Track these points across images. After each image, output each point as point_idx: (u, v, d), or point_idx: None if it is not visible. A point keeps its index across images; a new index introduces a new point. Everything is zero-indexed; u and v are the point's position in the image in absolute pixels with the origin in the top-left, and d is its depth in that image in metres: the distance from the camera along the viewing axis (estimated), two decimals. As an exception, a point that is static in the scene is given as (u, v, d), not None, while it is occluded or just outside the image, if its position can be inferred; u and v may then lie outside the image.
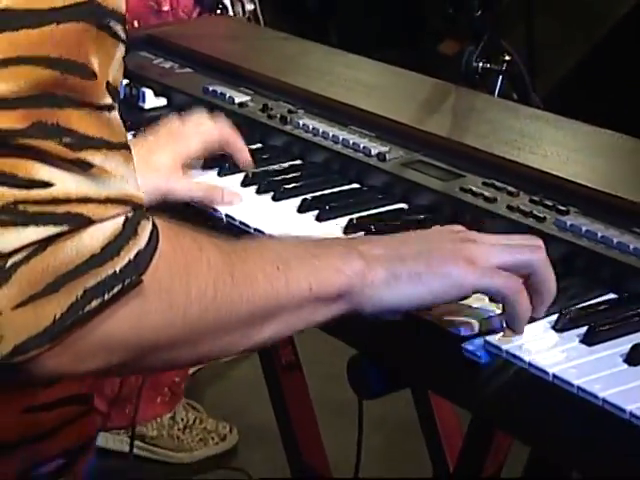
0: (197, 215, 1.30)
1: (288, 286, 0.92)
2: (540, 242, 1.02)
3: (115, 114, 0.82)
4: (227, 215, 1.29)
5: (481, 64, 1.59)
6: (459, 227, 1.05)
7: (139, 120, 1.52)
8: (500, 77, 1.59)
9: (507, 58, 1.59)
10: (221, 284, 0.87)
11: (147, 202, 1.22)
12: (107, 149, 0.80)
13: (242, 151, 1.37)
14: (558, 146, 1.31)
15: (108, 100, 0.81)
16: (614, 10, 3.23)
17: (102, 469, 1.23)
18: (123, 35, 0.82)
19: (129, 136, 1.41)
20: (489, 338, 0.99)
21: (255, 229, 1.24)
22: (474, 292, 0.99)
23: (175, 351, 0.87)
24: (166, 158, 1.30)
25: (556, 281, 1.00)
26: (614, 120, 1.36)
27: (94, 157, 0.79)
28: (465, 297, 1.00)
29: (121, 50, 0.82)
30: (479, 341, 0.99)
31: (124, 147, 0.82)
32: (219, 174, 1.38)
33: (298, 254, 0.95)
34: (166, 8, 2.21)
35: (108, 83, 0.81)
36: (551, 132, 1.37)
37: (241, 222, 1.27)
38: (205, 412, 2.50)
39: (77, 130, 0.78)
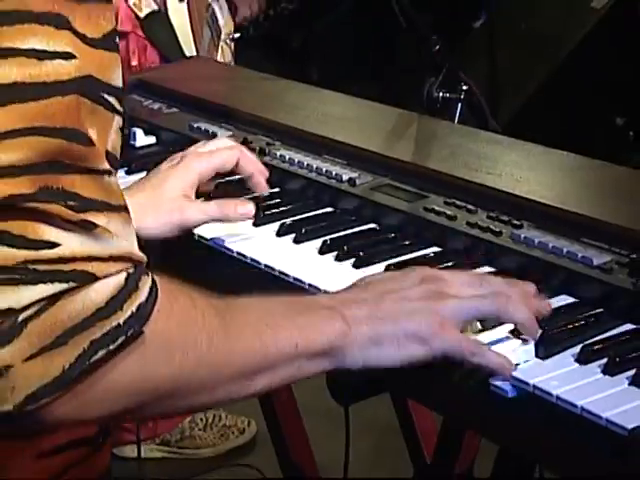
0: (182, 242, 1.29)
1: (276, 343, 0.92)
2: (514, 285, 1.00)
3: (114, 179, 0.82)
4: (212, 239, 1.28)
5: (441, 94, 1.60)
6: (432, 273, 1.01)
7: (131, 157, 1.52)
8: (459, 105, 1.60)
9: (465, 88, 1.61)
10: (215, 339, 0.87)
11: (161, 236, 1.22)
12: (108, 211, 0.80)
13: (257, 173, 1.30)
14: (512, 166, 1.32)
15: (107, 166, 0.81)
16: (566, 44, 3.26)
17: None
18: (119, 107, 0.83)
19: (121, 172, 1.45)
20: None
21: (238, 252, 1.25)
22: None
23: (175, 400, 0.87)
24: (178, 184, 1.25)
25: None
26: (572, 140, 1.37)
27: (97, 218, 0.79)
28: None
29: (117, 121, 0.83)
30: None
31: (123, 209, 0.82)
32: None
33: (285, 313, 0.94)
34: (134, 63, 2.25)
35: (107, 152, 0.82)
36: (506, 154, 1.38)
37: (225, 247, 1.27)
38: (223, 410, 2.49)
39: (80, 194, 0.78)
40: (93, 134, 0.80)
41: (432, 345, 0.95)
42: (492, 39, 3.45)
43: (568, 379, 0.93)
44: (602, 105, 3.09)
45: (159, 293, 0.83)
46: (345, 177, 1.36)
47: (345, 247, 1.21)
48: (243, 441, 2.45)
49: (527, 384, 0.93)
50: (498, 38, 3.47)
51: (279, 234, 1.28)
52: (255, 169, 1.32)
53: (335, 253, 1.21)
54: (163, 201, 1.24)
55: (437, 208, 1.24)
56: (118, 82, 0.82)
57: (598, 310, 1.03)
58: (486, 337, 0.99)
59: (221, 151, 1.30)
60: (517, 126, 1.51)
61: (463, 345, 0.96)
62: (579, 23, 3.30)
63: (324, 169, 1.38)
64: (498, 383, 0.94)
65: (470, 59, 3.20)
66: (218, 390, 0.89)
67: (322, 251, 1.23)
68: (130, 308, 0.81)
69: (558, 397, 0.90)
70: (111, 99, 0.82)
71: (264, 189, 1.33)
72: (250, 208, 1.25)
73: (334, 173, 1.37)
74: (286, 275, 1.18)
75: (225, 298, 0.92)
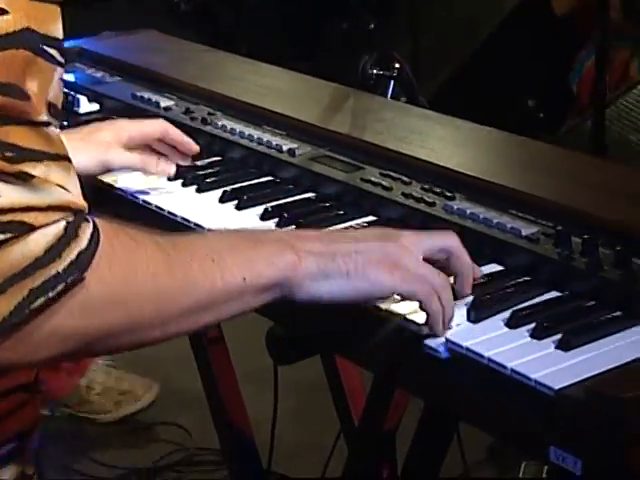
0: (131, 209, 1.28)
1: (223, 278, 0.89)
2: (453, 233, 1.01)
3: (53, 129, 0.80)
4: (157, 206, 1.26)
5: (375, 71, 1.59)
6: (387, 229, 1.00)
7: (75, 123, 1.47)
8: (392, 82, 1.59)
9: (397, 66, 1.60)
10: (160, 277, 0.86)
11: (90, 172, 1.25)
12: (48, 160, 0.79)
13: (185, 140, 1.33)
14: (443, 140, 1.32)
15: (46, 117, 0.79)
16: (484, 29, 3.29)
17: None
18: (60, 58, 0.81)
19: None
20: None
21: (182, 217, 1.22)
22: (394, 294, 0.96)
23: (122, 338, 0.86)
24: (108, 136, 1.28)
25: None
26: (487, 120, 1.37)
27: (35, 168, 0.78)
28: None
29: (59, 72, 0.81)
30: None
31: (64, 158, 0.80)
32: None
33: (232, 247, 0.92)
34: None
35: (49, 103, 0.80)
36: (437, 128, 1.37)
37: (169, 212, 1.24)
38: (126, 371, 2.39)
39: (18, 144, 0.77)
40: (33, 86, 0.78)
41: (385, 280, 0.93)
42: (415, 23, 3.47)
43: (499, 342, 0.93)
44: (516, 87, 3.13)
45: (101, 238, 0.82)
46: (285, 147, 1.34)
47: (285, 214, 1.20)
48: (138, 407, 2.34)
49: (460, 346, 0.93)
50: (420, 22, 3.48)
51: (222, 200, 1.27)
52: (183, 136, 1.33)
53: (276, 220, 1.20)
54: (93, 142, 1.27)
55: (373, 179, 1.23)
56: (58, 34, 0.80)
57: (526, 278, 1.03)
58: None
59: (151, 120, 1.34)
60: (436, 107, 1.51)
61: (424, 289, 0.93)
62: (497, 9, 3.33)
63: (265, 139, 1.37)
64: (432, 344, 0.94)
65: (394, 42, 3.20)
66: (168, 326, 0.87)
67: (264, 217, 1.21)
68: (69, 256, 0.79)
69: (489, 359, 0.90)
70: (51, 51, 0.79)
71: (196, 149, 1.34)
72: (172, 167, 1.28)
73: (274, 143, 1.35)
74: (229, 240, 1.16)
75: (170, 234, 0.90)
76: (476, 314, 0.97)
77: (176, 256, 0.88)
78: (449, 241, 0.99)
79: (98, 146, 1.26)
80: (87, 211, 0.82)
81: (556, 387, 0.85)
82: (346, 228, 1.06)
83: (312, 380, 2.03)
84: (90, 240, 0.81)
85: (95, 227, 0.82)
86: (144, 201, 1.28)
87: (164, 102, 1.51)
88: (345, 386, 1.71)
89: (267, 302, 0.93)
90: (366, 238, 0.97)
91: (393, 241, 0.96)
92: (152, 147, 1.33)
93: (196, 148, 1.35)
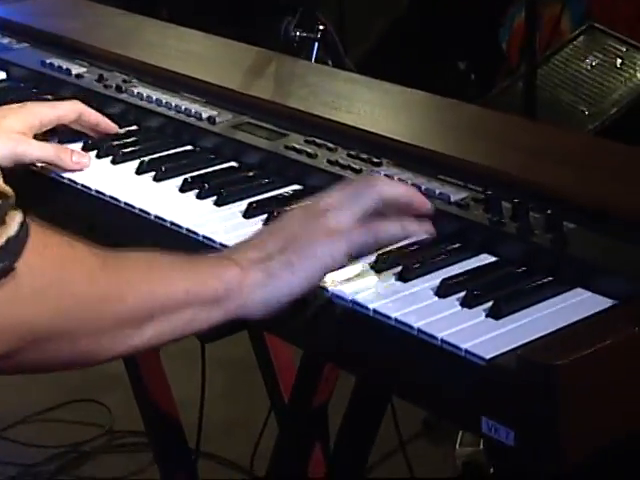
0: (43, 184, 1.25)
1: (165, 287, 0.88)
2: (374, 178, 1.03)
3: None
4: (70, 179, 1.24)
5: (298, 33, 1.57)
6: (307, 203, 1.01)
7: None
8: (316, 44, 1.58)
9: (321, 28, 1.59)
10: (95, 277, 0.84)
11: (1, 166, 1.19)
12: None
13: (102, 121, 1.32)
14: (370, 105, 1.31)
15: None
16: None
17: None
18: None
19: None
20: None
21: (97, 191, 1.21)
22: (347, 256, 0.95)
23: (54, 344, 0.83)
24: (17, 123, 1.23)
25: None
26: (418, 83, 1.37)
27: None
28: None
29: None
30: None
31: None
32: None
33: (172, 261, 0.91)
34: None
35: None
36: (364, 93, 1.37)
37: (83, 185, 1.22)
38: None
39: None
40: None
41: (331, 249, 0.93)
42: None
43: (428, 312, 0.93)
44: (445, 49, 3.13)
45: (30, 230, 0.80)
46: (205, 115, 1.33)
47: (206, 185, 1.19)
48: None
49: (388, 317, 0.93)
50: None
51: (138, 172, 1.25)
52: (99, 117, 1.32)
53: (196, 191, 1.18)
54: (1, 132, 1.21)
55: (297, 146, 1.22)
56: None
57: (456, 245, 1.04)
58: (347, 272, 0.98)
59: (64, 103, 1.31)
60: (364, 71, 1.50)
61: (366, 236, 0.94)
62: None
63: (183, 107, 1.35)
64: (360, 310, 0.94)
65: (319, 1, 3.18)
66: (102, 337, 0.85)
67: (183, 189, 1.20)
68: None
69: (419, 329, 0.90)
70: None
71: (114, 129, 1.33)
72: (86, 160, 1.25)
73: (193, 111, 1.34)
74: (147, 213, 1.14)
75: (106, 249, 0.88)
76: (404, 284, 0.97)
77: (113, 261, 0.86)
78: (374, 190, 0.98)
79: (7, 139, 1.21)
80: (13, 199, 0.79)
81: (487, 356, 0.85)
82: (268, 223, 1.06)
83: (241, 357, 2.03)
84: (20, 228, 0.78)
85: (25, 218, 0.80)
86: (56, 174, 1.25)
87: (76, 69, 1.48)
88: (275, 363, 1.71)
89: (219, 320, 0.92)
90: (291, 224, 0.97)
91: (318, 214, 0.96)
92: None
93: (114, 128, 1.33)
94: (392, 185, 1.01)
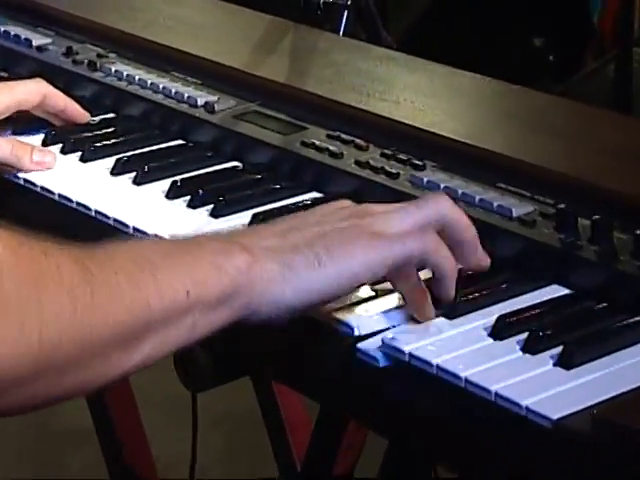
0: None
1: (160, 292, 0.90)
2: (440, 194, 1.04)
3: None
4: (27, 181, 1.27)
5: (323, -2, 1.59)
6: (347, 202, 1.04)
7: None
8: (345, 12, 1.59)
9: (353, -10, 1.60)
10: (78, 294, 0.86)
11: None
12: None
13: (70, 105, 1.34)
14: (413, 91, 1.33)
15: None
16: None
17: None
18: None
19: None
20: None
21: (61, 195, 1.23)
22: (388, 268, 0.97)
23: (40, 382, 0.85)
24: None
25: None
26: (474, 62, 1.38)
27: None
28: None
29: None
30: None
31: None
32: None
33: (167, 254, 0.93)
34: None
35: None
36: (404, 75, 1.39)
37: (43, 188, 1.25)
38: None
39: None
40: None
41: (369, 253, 0.95)
42: None
43: (480, 358, 0.94)
44: (517, 23, 3.14)
45: (1, 249, 0.82)
46: (200, 101, 1.34)
47: (200, 190, 1.20)
48: None
49: (429, 364, 0.94)
50: None
51: (114, 172, 1.27)
52: (67, 101, 1.34)
53: (187, 198, 1.20)
54: None
55: (318, 143, 1.24)
56: None
57: (518, 273, 1.05)
58: (378, 306, 1.00)
59: (25, 82, 1.33)
60: (411, 44, 1.52)
61: (427, 241, 0.97)
62: None
63: (173, 90, 1.37)
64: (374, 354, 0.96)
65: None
66: (93, 364, 0.87)
67: (171, 195, 1.22)
68: None
69: (467, 380, 0.91)
70: None
71: (85, 117, 1.35)
72: (50, 159, 1.27)
73: (186, 96, 1.36)
74: (124, 225, 1.16)
75: (85, 246, 0.90)
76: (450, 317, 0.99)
77: (98, 269, 0.88)
78: (439, 205, 1.01)
79: None
80: None
81: (554, 416, 0.86)
82: (301, 210, 1.07)
83: (243, 411, 2.03)
84: None
85: None
86: (12, 175, 1.28)
87: (38, 40, 1.51)
88: (285, 419, 1.72)
89: (224, 323, 0.94)
90: (333, 218, 0.99)
91: (362, 214, 0.99)
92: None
93: (84, 116, 1.36)
94: (459, 213, 1.02)
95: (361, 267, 0.96)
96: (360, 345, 0.96)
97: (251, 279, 0.94)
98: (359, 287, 1.00)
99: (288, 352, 1.01)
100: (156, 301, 0.90)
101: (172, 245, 0.97)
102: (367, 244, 0.96)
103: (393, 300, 1.01)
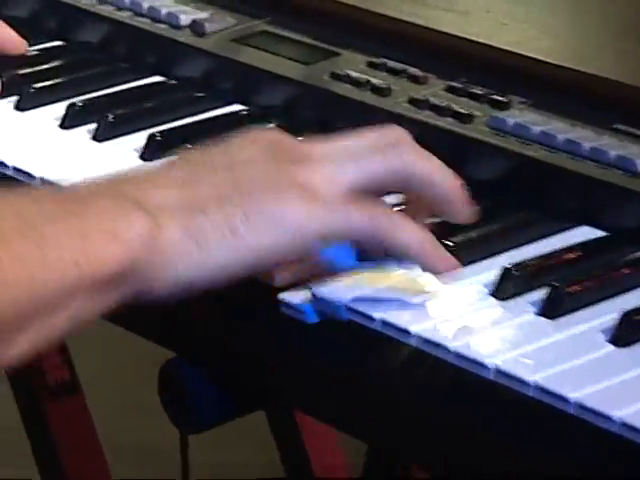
0: None
1: (44, 265, 0.93)
2: (397, 131, 1.06)
3: None
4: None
5: None
6: (275, 133, 1.07)
7: None
8: None
9: None
10: None
11: None
12: None
13: (7, 34, 1.36)
14: (490, -1, 1.34)
15: None
16: None
17: None
18: None
19: None
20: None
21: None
22: (321, 239, 1.01)
23: None
24: None
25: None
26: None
27: None
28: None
29: None
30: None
31: None
32: None
33: (51, 215, 0.96)
34: None
35: None
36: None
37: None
38: None
39: None
40: None
41: (303, 218, 0.99)
42: None
43: (591, 374, 0.94)
44: None
45: None
46: (185, 20, 1.36)
47: (189, 146, 1.18)
48: None
49: (527, 384, 0.93)
50: None
51: (65, 125, 1.29)
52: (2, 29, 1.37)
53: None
54: None
55: (354, 74, 1.25)
56: None
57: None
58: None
59: None
60: None
61: (377, 213, 1.00)
62: None
63: (145, 5, 1.39)
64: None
65: None
66: None
67: (147, 155, 1.23)
68: None
69: (577, 403, 0.91)
70: None
71: (21, 46, 1.36)
72: None
73: (164, 12, 1.38)
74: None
75: None
76: (554, 313, 0.99)
77: None
78: (396, 154, 1.03)
79: None
80: None
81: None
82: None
83: (250, 461, 2.05)
84: None
85: None
86: None
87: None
88: (313, 465, 1.75)
89: (108, 307, 0.97)
90: (250, 160, 1.02)
91: (289, 158, 1.02)
92: None
93: (20, 45, 1.36)
94: (427, 158, 1.05)
95: (287, 239, 1.00)
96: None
97: (151, 250, 0.97)
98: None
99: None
100: (39, 277, 0.93)
101: (54, 203, 0.98)
102: (299, 208, 1.00)
103: None
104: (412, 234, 1.01)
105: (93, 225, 0.96)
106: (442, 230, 1.05)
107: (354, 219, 1.01)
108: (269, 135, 1.06)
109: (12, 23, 1.37)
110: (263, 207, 0.99)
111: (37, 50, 1.39)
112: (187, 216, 0.98)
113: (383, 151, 1.03)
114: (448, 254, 1.03)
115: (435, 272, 1.02)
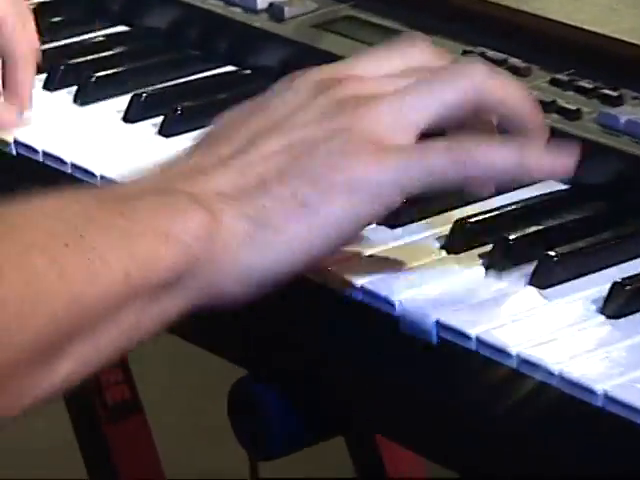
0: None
1: (90, 278, 0.93)
2: (470, 64, 1.07)
3: None
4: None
5: None
6: (319, 71, 1.05)
7: None
8: None
9: None
10: None
11: None
12: None
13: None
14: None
15: None
16: None
17: None
18: None
19: None
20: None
21: (46, 153, 1.24)
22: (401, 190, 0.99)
23: None
24: None
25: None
26: None
27: None
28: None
29: None
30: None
31: None
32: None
33: (92, 219, 0.95)
34: None
35: None
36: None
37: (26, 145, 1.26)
38: None
39: None
40: None
41: (381, 173, 0.98)
42: None
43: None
44: None
45: None
46: (262, 2, 1.38)
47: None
48: None
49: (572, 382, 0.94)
50: None
51: (129, 119, 1.30)
52: None
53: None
54: None
55: (450, 65, 1.25)
56: None
57: None
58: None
59: None
60: None
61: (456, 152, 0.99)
62: None
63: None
64: None
65: None
66: None
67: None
68: None
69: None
70: None
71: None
72: (13, 114, 1.30)
73: (239, -6, 1.39)
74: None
75: None
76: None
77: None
78: (469, 82, 1.02)
79: None
80: None
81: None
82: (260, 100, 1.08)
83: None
84: None
85: None
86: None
87: None
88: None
89: (179, 312, 0.97)
90: (299, 113, 1.01)
91: (353, 105, 1.00)
92: None
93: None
94: (501, 82, 1.03)
95: (365, 198, 0.98)
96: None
97: (211, 246, 0.96)
98: None
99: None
100: (85, 291, 0.92)
101: (98, 203, 0.97)
102: (374, 164, 0.98)
103: None
104: (500, 152, 1.00)
105: (143, 226, 0.96)
106: (545, 240, 1.05)
107: (432, 158, 0.99)
108: (314, 75, 1.04)
109: (72, 7, 1.39)
110: (329, 172, 0.98)
111: (99, 36, 1.41)
112: (247, 201, 0.98)
113: (453, 79, 1.02)
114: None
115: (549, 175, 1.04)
